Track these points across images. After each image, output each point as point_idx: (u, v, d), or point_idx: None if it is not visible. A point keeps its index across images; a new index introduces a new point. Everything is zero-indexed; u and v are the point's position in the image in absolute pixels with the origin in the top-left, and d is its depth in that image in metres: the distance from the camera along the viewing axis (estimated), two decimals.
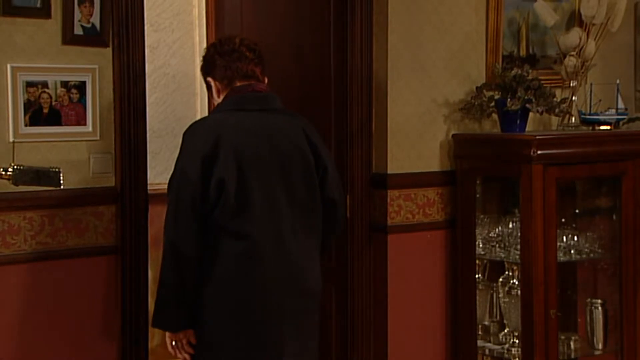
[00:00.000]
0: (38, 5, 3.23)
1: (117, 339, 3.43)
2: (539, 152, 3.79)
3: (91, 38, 3.35)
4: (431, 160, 4.08)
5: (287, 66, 3.90)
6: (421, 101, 4.05)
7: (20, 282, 3.26)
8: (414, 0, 4.00)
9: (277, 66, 3.76)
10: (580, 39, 4.27)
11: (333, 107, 3.99)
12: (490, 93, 4.10)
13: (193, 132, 3.04)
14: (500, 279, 4.08)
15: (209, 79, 3.19)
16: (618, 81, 4.35)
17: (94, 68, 3.37)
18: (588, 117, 4.27)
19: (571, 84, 4.31)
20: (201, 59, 3.26)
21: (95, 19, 3.34)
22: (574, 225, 4.17)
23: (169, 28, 5.44)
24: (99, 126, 3.39)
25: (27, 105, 3.25)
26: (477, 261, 4.06)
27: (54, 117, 3.30)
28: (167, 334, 3.08)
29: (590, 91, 4.30)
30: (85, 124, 3.37)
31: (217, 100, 3.18)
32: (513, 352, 4.01)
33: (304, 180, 3.10)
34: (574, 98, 4.31)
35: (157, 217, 4.14)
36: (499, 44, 4.20)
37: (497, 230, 4.07)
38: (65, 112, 3.33)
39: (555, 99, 4.09)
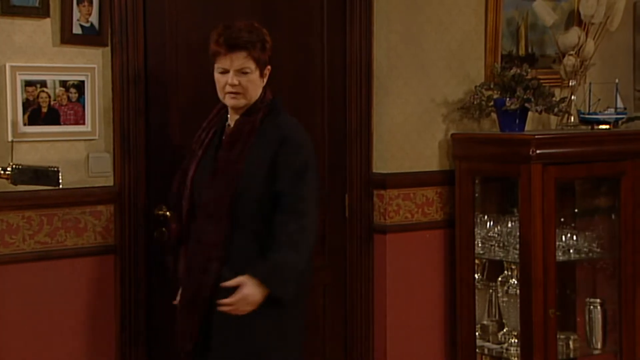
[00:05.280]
0: (37, 4, 3.22)
1: (116, 339, 3.43)
2: (538, 151, 3.79)
3: (90, 37, 3.34)
4: (430, 160, 4.08)
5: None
6: (420, 101, 4.05)
7: (18, 282, 3.26)
8: (414, 0, 4.00)
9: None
10: (579, 38, 4.27)
11: (327, 106, 3.95)
12: (489, 92, 4.10)
13: (309, 141, 3.10)
14: (499, 279, 4.08)
15: (270, 67, 3.10)
16: (617, 80, 4.35)
17: (92, 67, 3.36)
18: (587, 116, 4.27)
19: (570, 84, 4.31)
20: (268, 45, 3.05)
21: (94, 18, 3.34)
22: (573, 225, 4.17)
23: None
24: (97, 125, 3.39)
25: (26, 104, 3.24)
26: (476, 261, 4.06)
27: (52, 117, 3.30)
28: (254, 298, 2.95)
29: (589, 90, 4.30)
30: (84, 124, 3.36)
31: (258, 92, 3.06)
32: (512, 351, 4.01)
33: None
34: (573, 97, 4.31)
35: None
36: (498, 43, 4.20)
37: (496, 229, 4.07)
38: (63, 112, 3.32)
39: (554, 99, 4.09)
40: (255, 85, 3.03)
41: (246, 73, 2.99)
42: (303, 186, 2.99)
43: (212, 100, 3.64)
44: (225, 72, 3.00)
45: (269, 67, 3.07)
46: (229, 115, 3.12)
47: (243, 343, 2.99)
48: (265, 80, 3.07)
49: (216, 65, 3.02)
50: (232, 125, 3.09)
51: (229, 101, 3.04)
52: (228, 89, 3.00)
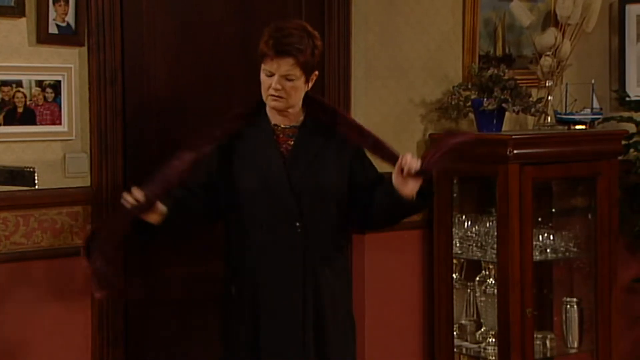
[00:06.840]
0: (12, 4, 3.19)
1: (93, 341, 3.41)
2: (515, 151, 3.81)
3: (66, 37, 3.32)
4: None
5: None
6: (398, 101, 4.06)
7: None
8: (392, 1, 4.01)
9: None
10: (556, 39, 4.30)
11: None
12: (467, 93, 4.12)
13: None
14: (477, 278, 4.10)
15: (317, 72, 3.03)
16: (593, 81, 4.38)
17: (69, 67, 3.34)
18: (564, 116, 4.29)
19: (547, 84, 4.34)
20: (317, 51, 2.97)
21: (71, 18, 3.31)
22: (550, 225, 4.19)
23: None
24: (74, 126, 3.36)
25: (1, 104, 3.21)
26: (454, 260, 4.08)
27: (28, 117, 3.27)
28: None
29: (566, 91, 4.32)
30: (60, 124, 3.34)
31: (301, 97, 3.02)
32: (489, 351, 4.02)
33: None
34: (549, 98, 4.33)
35: None
36: (475, 44, 4.22)
37: (474, 229, 4.08)
38: (40, 112, 3.30)
39: (531, 99, 4.11)
40: (299, 91, 2.98)
41: (291, 80, 2.94)
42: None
43: (189, 100, 3.64)
44: (271, 75, 2.94)
45: (316, 72, 3.01)
46: (268, 113, 3.05)
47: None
48: (310, 85, 3.02)
49: (263, 67, 2.95)
50: (282, 125, 3.04)
51: (270, 103, 2.98)
52: (271, 91, 2.95)
